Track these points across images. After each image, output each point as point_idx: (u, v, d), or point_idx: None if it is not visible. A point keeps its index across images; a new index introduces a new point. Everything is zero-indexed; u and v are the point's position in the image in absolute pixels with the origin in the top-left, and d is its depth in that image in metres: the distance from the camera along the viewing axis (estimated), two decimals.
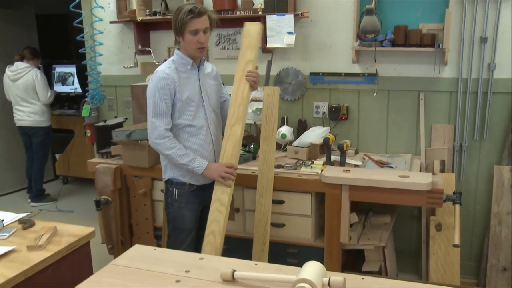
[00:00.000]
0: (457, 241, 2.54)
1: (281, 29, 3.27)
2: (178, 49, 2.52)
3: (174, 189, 2.59)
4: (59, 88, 5.91)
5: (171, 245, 2.60)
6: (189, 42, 2.41)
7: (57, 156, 6.01)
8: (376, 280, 1.51)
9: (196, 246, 2.65)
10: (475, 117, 3.12)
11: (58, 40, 6.12)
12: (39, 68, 5.30)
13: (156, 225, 3.28)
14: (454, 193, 2.67)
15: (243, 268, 1.54)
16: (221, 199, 2.49)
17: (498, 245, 3.09)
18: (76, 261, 1.95)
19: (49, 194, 5.51)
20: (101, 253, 3.16)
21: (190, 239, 2.62)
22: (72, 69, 5.84)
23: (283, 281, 1.42)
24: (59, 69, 5.96)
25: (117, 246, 3.27)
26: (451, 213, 2.99)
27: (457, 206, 2.64)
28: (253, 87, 2.59)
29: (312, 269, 1.39)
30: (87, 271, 1.94)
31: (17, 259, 1.78)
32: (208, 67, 2.67)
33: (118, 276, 1.55)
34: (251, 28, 2.70)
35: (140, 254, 1.72)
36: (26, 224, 2.09)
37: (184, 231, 2.58)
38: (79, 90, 5.69)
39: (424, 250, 3.29)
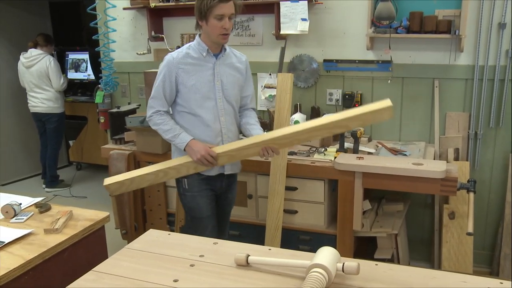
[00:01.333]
0: (470, 229, 2.53)
1: (295, 16, 3.25)
2: (199, 35, 2.44)
3: (183, 179, 2.51)
4: (72, 75, 5.94)
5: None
6: (213, 27, 2.30)
7: (70, 142, 6.07)
8: (390, 267, 1.51)
9: (218, 231, 2.61)
10: (491, 104, 3.08)
11: (71, 27, 6.14)
12: (52, 55, 5.33)
13: (169, 211, 3.31)
14: (468, 181, 2.66)
15: (257, 253, 1.54)
16: (176, 169, 2.42)
17: None
18: (92, 245, 1.97)
19: (63, 180, 5.57)
20: (115, 238, 3.20)
21: (211, 226, 2.56)
22: (85, 56, 5.86)
23: (297, 266, 1.43)
24: (72, 56, 5.99)
25: (130, 232, 3.31)
26: (465, 201, 2.98)
27: (471, 194, 2.63)
28: (259, 154, 2.32)
29: (326, 254, 1.39)
30: (102, 255, 1.96)
31: (34, 242, 1.80)
32: (232, 56, 2.51)
33: (133, 260, 1.57)
34: (384, 116, 2.05)
35: (155, 239, 1.74)
36: (42, 208, 2.12)
37: (202, 219, 2.52)
38: (92, 77, 5.71)
39: (436, 238, 3.27)
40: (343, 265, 1.36)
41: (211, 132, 2.44)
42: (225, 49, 2.46)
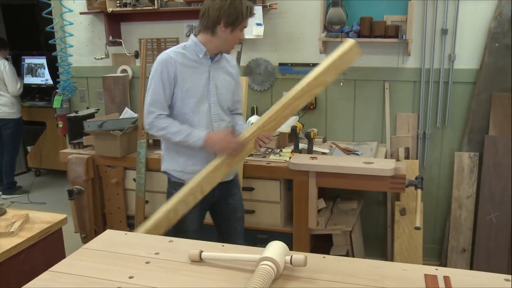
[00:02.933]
0: (418, 223, 2.66)
1: (250, 21, 3.32)
2: (195, 35, 2.29)
3: (172, 190, 2.36)
4: (29, 79, 5.84)
5: None
6: (235, 37, 2.25)
7: (28, 148, 5.96)
8: (336, 259, 1.60)
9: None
10: (437, 105, 3.25)
11: (27, 31, 6.04)
12: (7, 59, 5.23)
13: (129, 213, 3.33)
14: (416, 178, 2.79)
15: (211, 250, 1.60)
16: (203, 188, 2.22)
17: (458, 228, 3.24)
18: (49, 247, 1.99)
19: (21, 187, 5.46)
20: (75, 242, 3.19)
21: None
22: (42, 60, 5.78)
23: (248, 260, 1.50)
24: (29, 61, 5.89)
25: (90, 235, 3.31)
26: (415, 198, 3.12)
27: (419, 191, 2.76)
28: (256, 148, 2.24)
29: (274, 248, 1.47)
30: (60, 257, 1.95)
31: None
32: (224, 60, 2.39)
33: (90, 259, 1.60)
34: (352, 56, 2.12)
35: (112, 238, 1.77)
36: None
37: (187, 232, 2.33)
38: (50, 82, 5.64)
39: (389, 234, 3.41)
40: (291, 257, 1.45)
41: None
42: (220, 53, 2.35)
